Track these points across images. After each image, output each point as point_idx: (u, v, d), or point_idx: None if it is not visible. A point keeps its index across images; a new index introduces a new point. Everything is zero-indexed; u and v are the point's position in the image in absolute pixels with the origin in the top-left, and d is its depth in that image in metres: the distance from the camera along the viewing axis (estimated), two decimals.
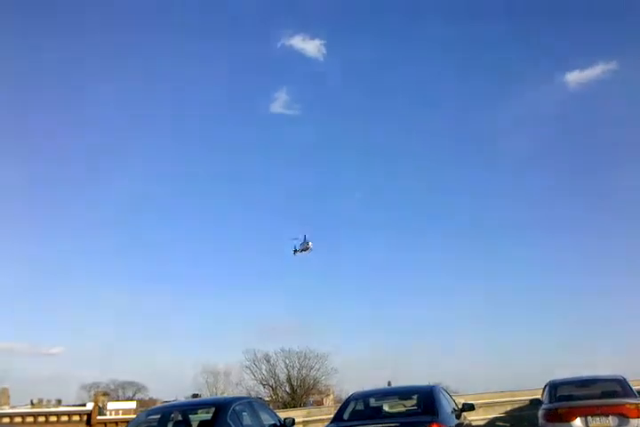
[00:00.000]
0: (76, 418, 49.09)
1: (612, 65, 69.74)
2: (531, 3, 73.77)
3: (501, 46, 75.22)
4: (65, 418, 48.22)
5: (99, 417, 49.59)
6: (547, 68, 74.91)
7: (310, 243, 36.05)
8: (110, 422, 46.96)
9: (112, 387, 67.25)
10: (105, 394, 59.36)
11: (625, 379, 10.40)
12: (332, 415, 9.05)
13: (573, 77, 70.45)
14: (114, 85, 73.77)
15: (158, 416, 8.62)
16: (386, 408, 9.21)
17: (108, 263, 79.03)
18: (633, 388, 10.07)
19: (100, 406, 53.10)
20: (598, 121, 69.77)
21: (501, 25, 73.04)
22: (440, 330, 68.94)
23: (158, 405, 20.65)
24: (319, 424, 11.16)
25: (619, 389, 10.05)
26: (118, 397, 65.90)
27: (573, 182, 73.76)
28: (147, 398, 62.77)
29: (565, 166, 74.03)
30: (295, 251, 37.24)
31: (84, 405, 53.20)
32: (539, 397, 11.50)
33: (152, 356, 73.27)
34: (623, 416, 9.07)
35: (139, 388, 68.31)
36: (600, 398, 9.86)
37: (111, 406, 55.80)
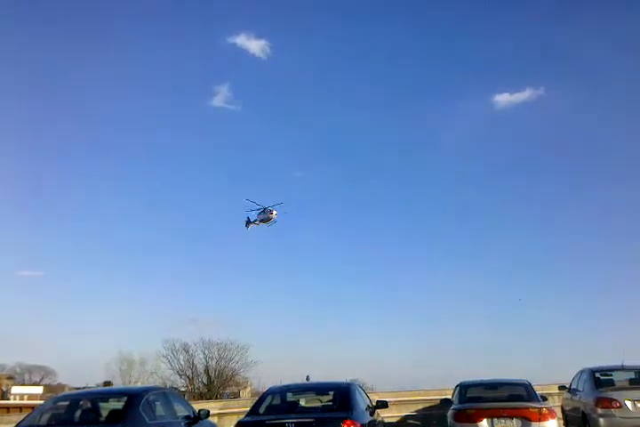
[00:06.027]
0: None
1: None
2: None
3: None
4: None
5: (1, 402, 47.39)
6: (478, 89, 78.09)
7: (275, 211, 28.18)
8: (14, 408, 44.67)
9: (18, 371, 64.28)
10: (9, 378, 56.67)
11: (530, 384, 10.95)
12: (248, 408, 9.01)
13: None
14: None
15: (66, 403, 8.19)
16: (302, 403, 9.29)
17: (30, 244, 75.63)
18: (537, 392, 10.63)
19: (4, 389, 50.66)
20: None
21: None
22: (362, 329, 70.29)
23: (67, 391, 19.85)
24: (234, 417, 11.07)
25: (524, 393, 10.59)
26: (24, 381, 63.01)
27: None
28: (55, 384, 60.28)
29: None
30: (249, 222, 29.13)
31: None
32: (449, 397, 11.90)
33: (63, 341, 70.68)
34: (526, 419, 9.55)
35: (47, 372, 65.58)
36: (506, 401, 10.36)
37: (16, 390, 53.37)
